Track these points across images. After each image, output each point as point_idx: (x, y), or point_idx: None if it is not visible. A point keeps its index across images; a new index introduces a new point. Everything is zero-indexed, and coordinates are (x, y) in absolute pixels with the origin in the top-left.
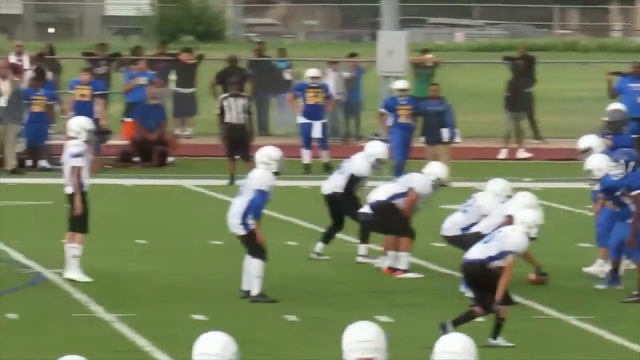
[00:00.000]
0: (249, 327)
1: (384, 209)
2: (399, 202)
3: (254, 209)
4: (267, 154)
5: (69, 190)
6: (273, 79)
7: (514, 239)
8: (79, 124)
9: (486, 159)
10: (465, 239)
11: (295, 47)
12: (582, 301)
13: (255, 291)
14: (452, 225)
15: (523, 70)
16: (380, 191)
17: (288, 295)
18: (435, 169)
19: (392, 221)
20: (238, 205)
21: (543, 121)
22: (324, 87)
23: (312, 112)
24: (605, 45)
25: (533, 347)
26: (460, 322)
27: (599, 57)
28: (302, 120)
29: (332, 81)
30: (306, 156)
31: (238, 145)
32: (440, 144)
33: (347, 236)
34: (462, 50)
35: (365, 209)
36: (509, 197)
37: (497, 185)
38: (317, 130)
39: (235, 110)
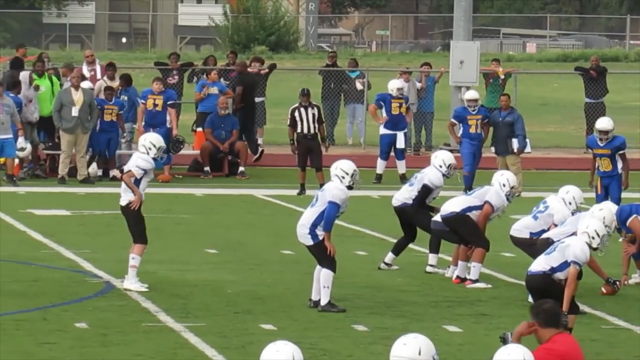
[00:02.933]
0: (317, 337)
1: (458, 220)
2: (473, 214)
3: (326, 220)
4: (341, 167)
5: (123, 202)
6: (345, 89)
7: (574, 249)
8: (150, 141)
9: (556, 169)
10: (532, 243)
11: (367, 57)
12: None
13: (324, 301)
14: (522, 227)
15: (595, 81)
16: (455, 203)
17: (357, 304)
18: (509, 179)
19: (466, 232)
20: (308, 215)
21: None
22: (405, 99)
23: (396, 122)
24: None
25: (600, 357)
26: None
27: None
28: (384, 131)
29: (406, 92)
30: (381, 166)
31: (310, 155)
32: (511, 154)
33: (416, 246)
34: (534, 60)
35: (438, 218)
36: (581, 205)
37: (569, 192)
38: (400, 141)
39: (306, 120)
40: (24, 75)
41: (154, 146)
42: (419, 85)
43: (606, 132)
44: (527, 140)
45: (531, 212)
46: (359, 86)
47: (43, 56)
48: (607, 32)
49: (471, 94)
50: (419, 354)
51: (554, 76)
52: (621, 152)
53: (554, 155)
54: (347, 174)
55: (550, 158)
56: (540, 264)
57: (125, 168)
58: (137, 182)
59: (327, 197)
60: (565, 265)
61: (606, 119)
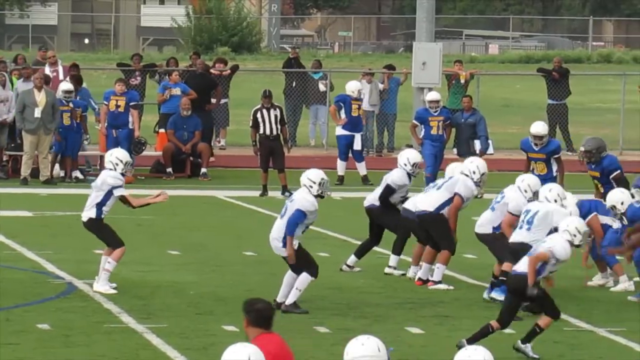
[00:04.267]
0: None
1: (432, 219)
2: (446, 211)
3: (288, 223)
4: (308, 177)
5: (85, 217)
6: (307, 90)
7: (557, 247)
8: (116, 156)
9: (519, 170)
10: (496, 238)
11: (330, 58)
12: (613, 313)
13: (290, 300)
14: (484, 222)
15: (557, 82)
16: (427, 200)
17: (319, 306)
18: (479, 166)
19: (438, 232)
20: (278, 226)
21: (576, 133)
22: (362, 100)
23: (355, 124)
24: (639, 58)
25: (563, 359)
26: (476, 339)
27: (634, 69)
28: (341, 132)
29: (367, 93)
30: (341, 167)
31: (272, 156)
32: (473, 155)
33: (380, 248)
34: (497, 62)
35: (407, 214)
36: (536, 193)
37: (524, 181)
38: (358, 143)
39: (268, 121)
40: None
41: (121, 161)
42: (381, 86)
43: (541, 137)
44: (490, 141)
45: (490, 205)
46: (322, 87)
47: (19, 58)
48: (569, 34)
49: (432, 95)
50: (379, 350)
51: (517, 77)
52: (556, 155)
53: (516, 157)
54: (314, 182)
55: (513, 159)
56: (525, 265)
57: (94, 185)
58: (108, 197)
59: (295, 206)
60: (547, 265)
61: (541, 123)
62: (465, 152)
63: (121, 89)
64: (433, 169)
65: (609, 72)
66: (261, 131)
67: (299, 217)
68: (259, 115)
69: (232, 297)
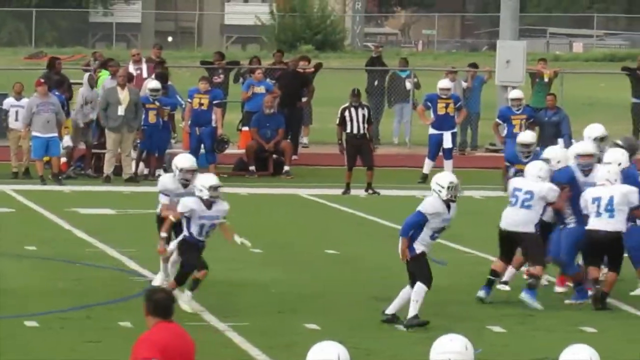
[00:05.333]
0: (363, 337)
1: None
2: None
3: (405, 223)
4: (437, 181)
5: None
6: (391, 88)
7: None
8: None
9: None
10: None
11: (414, 56)
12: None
13: (411, 313)
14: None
15: None
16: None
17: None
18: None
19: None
20: None
21: None
22: (454, 98)
23: (442, 122)
24: None
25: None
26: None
27: None
28: (432, 131)
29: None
30: (428, 166)
31: (360, 154)
32: None
33: (462, 246)
34: (580, 60)
35: None
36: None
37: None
38: (447, 141)
39: (356, 120)
40: (86, 76)
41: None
42: (465, 85)
43: (528, 146)
44: (573, 140)
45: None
46: (408, 86)
47: (97, 55)
48: None
49: (515, 93)
50: (466, 349)
51: (601, 76)
52: None
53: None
54: (442, 187)
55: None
56: None
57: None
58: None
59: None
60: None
61: (530, 133)
62: None
63: (205, 87)
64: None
65: None
66: (348, 130)
67: (418, 218)
68: (347, 113)
69: (315, 295)
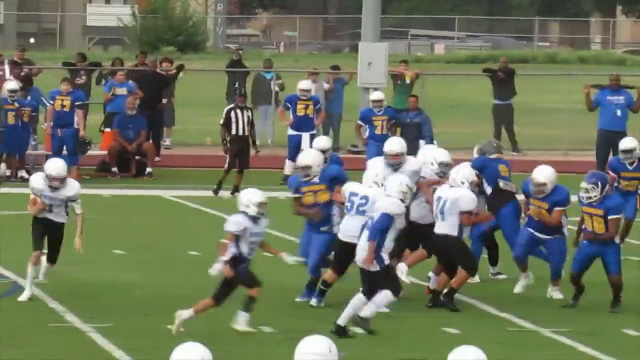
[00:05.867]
0: (227, 339)
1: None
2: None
3: (373, 229)
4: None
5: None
6: (255, 90)
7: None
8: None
9: None
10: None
11: (275, 58)
12: (557, 314)
13: (367, 314)
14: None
15: (503, 82)
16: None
17: (268, 306)
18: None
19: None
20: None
21: (522, 133)
22: (314, 100)
23: (302, 123)
24: (585, 58)
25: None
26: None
27: (579, 70)
28: (291, 132)
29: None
30: (289, 167)
31: (240, 156)
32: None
33: None
34: (442, 62)
35: None
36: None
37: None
38: (306, 142)
39: (241, 121)
40: None
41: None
42: (327, 86)
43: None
44: (435, 141)
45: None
46: (273, 87)
47: None
48: (515, 34)
49: (376, 95)
50: (330, 351)
51: (463, 78)
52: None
53: (461, 157)
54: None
55: (458, 159)
56: None
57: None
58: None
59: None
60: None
61: (396, 140)
62: (411, 151)
63: (67, 89)
64: None
65: (555, 73)
66: (233, 131)
67: (386, 221)
68: (232, 114)
69: (178, 297)
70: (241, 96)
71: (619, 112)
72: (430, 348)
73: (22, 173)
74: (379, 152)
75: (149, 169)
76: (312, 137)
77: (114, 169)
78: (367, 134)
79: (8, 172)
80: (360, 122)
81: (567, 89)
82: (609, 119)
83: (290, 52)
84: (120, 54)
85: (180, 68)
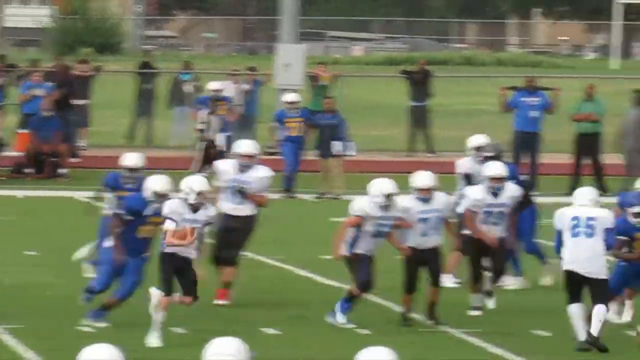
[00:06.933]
0: (138, 340)
1: None
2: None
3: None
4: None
5: None
6: (175, 91)
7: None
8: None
9: (381, 172)
10: None
11: (194, 59)
12: (468, 314)
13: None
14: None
15: (420, 84)
16: None
17: (179, 307)
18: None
19: None
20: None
21: (438, 135)
22: (226, 100)
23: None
24: (502, 60)
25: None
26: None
27: (496, 71)
28: None
29: (233, 94)
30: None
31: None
32: (334, 156)
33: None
34: (360, 63)
35: None
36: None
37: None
38: (220, 143)
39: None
40: None
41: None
42: (246, 87)
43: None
44: (352, 143)
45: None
46: (189, 89)
47: None
48: (434, 36)
49: (290, 97)
50: (239, 352)
51: (380, 79)
52: None
53: (378, 158)
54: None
55: (374, 161)
56: None
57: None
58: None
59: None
60: None
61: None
62: (326, 153)
63: None
64: (292, 168)
65: (471, 74)
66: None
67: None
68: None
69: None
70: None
71: (534, 114)
72: (339, 348)
73: None
74: (294, 153)
75: (63, 170)
76: (229, 138)
77: (29, 170)
78: (282, 135)
79: None
80: (275, 124)
81: (484, 90)
82: (524, 120)
83: (208, 54)
84: (37, 55)
85: (97, 70)
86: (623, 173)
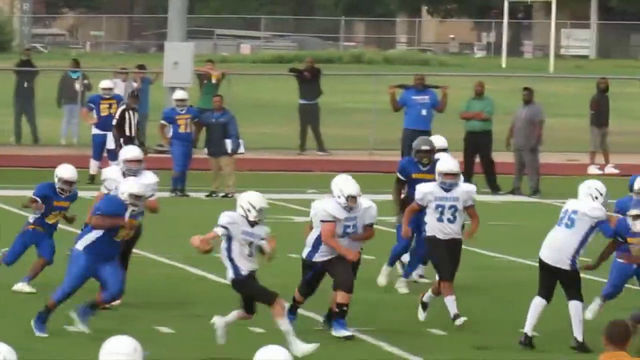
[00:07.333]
0: (33, 338)
1: None
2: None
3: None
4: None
5: None
6: (64, 89)
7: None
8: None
9: (271, 170)
10: None
11: (82, 57)
12: (362, 313)
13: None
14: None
15: (309, 82)
16: None
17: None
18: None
19: None
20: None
21: (328, 133)
22: (117, 98)
23: (106, 123)
24: (390, 58)
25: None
26: None
27: (385, 70)
28: (95, 131)
29: (122, 92)
30: (94, 167)
31: None
32: (224, 155)
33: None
34: (248, 62)
35: None
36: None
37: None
38: (110, 142)
39: (134, 123)
40: None
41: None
42: (135, 85)
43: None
44: (241, 141)
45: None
46: (78, 87)
47: None
48: (322, 34)
49: (179, 94)
50: (135, 351)
51: (269, 78)
52: None
53: (266, 157)
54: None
55: (264, 159)
56: None
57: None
58: None
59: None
60: None
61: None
62: (216, 151)
63: None
64: (182, 167)
65: (360, 73)
66: (127, 132)
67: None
68: (126, 115)
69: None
70: (133, 97)
71: (424, 112)
72: (236, 347)
73: None
74: (184, 151)
75: None
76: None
77: None
78: (170, 133)
79: None
80: (163, 122)
81: (373, 89)
82: (414, 118)
83: (96, 52)
84: None
85: None
86: (513, 172)
